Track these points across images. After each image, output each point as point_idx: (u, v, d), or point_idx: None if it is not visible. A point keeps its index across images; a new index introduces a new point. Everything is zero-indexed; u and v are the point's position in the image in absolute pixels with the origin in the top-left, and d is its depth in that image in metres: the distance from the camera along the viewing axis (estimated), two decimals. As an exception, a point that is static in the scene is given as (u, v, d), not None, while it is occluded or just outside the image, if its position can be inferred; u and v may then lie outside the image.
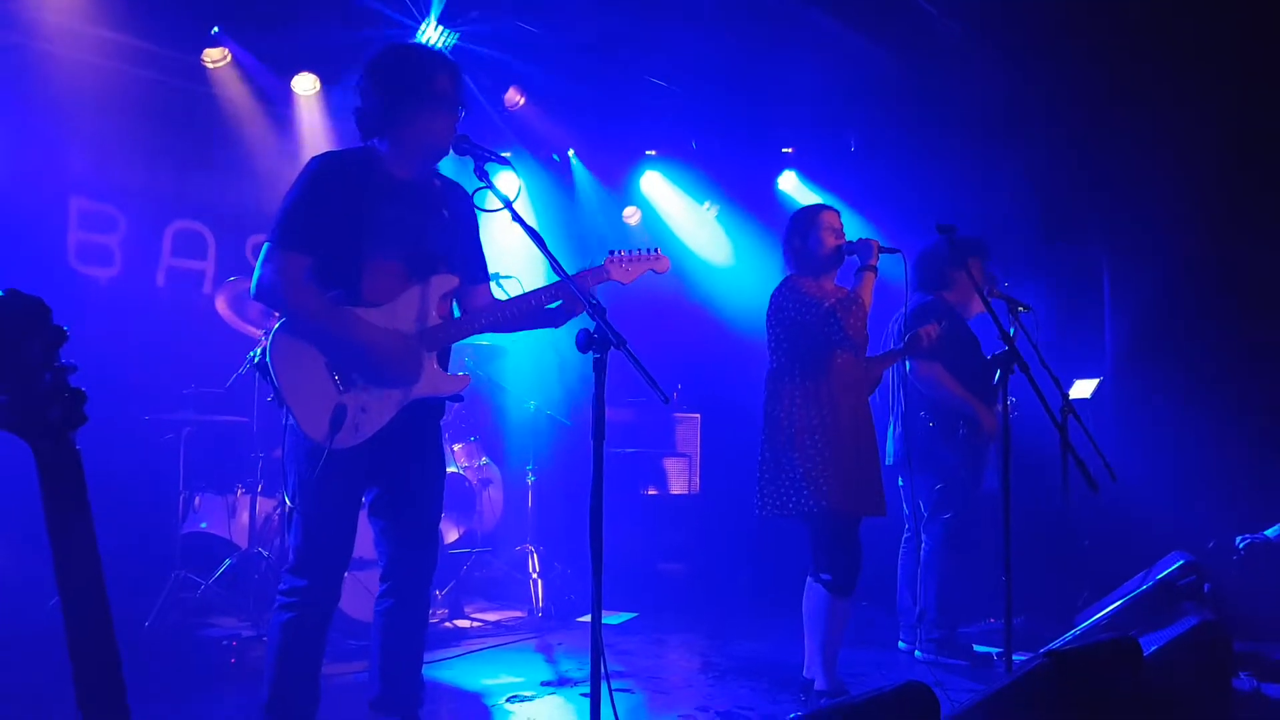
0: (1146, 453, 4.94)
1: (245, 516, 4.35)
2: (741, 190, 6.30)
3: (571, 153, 6.09)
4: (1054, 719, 2.45)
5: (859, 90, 5.45)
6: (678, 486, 5.79)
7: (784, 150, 6.20)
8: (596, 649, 2.06)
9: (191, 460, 4.44)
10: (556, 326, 2.68)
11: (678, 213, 6.38)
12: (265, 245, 2.41)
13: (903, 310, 4.21)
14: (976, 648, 4.10)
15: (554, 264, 2.28)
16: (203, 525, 4.44)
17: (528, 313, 2.58)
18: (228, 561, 4.23)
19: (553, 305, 2.57)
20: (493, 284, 3.10)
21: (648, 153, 6.21)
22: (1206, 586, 4.03)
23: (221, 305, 4.30)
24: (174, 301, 4.96)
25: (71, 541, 1.23)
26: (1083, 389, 5.08)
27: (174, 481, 4.38)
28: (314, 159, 2.49)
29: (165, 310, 4.87)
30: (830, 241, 3.39)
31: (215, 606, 4.25)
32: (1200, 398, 4.98)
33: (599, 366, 2.15)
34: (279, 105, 5.21)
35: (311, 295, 2.39)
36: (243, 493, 4.44)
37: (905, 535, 4.30)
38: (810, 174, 6.20)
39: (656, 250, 2.75)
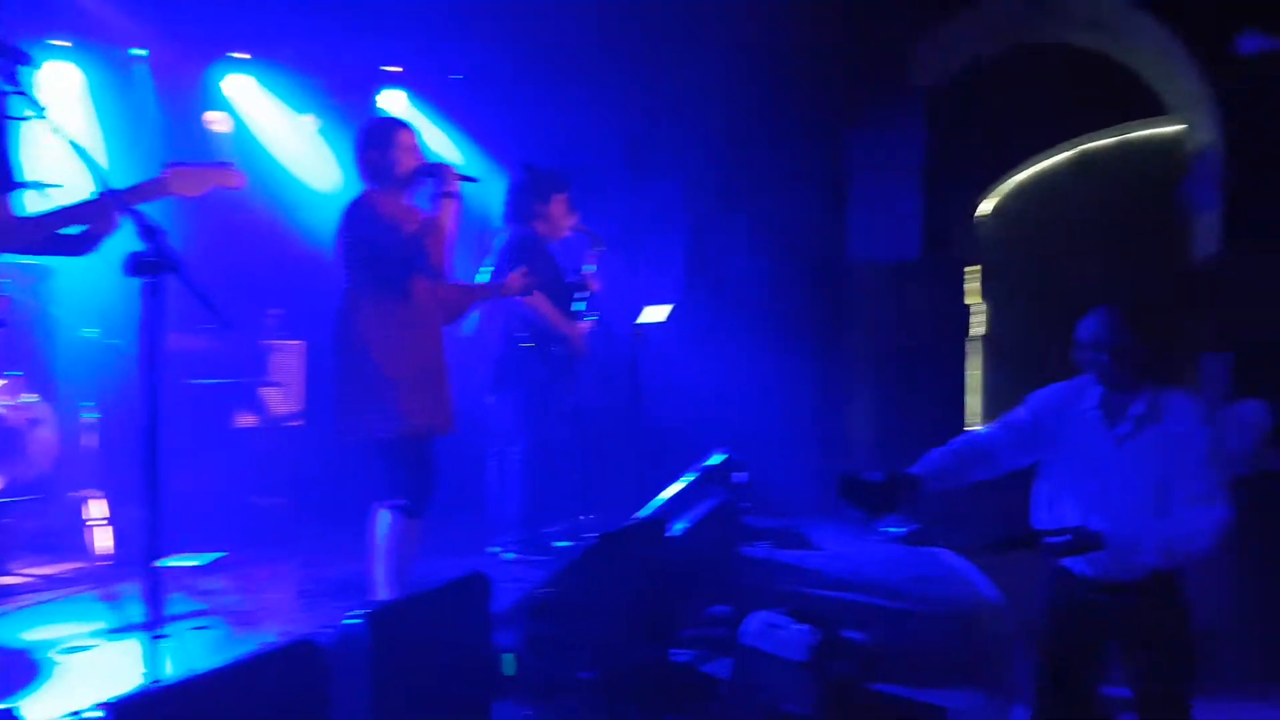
0: (704, 367, 5.85)
1: None
2: (344, 106, 6.03)
3: (143, 52, 5.38)
4: (608, 584, 2.96)
5: (465, 14, 5.53)
6: (276, 416, 5.55)
7: (389, 69, 6.06)
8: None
9: None
10: (81, 254, 2.44)
11: (273, 125, 5.93)
12: None
13: (504, 237, 4.51)
14: (556, 543, 4.56)
15: (98, 177, 2.10)
16: None
17: (53, 238, 2.34)
18: None
19: (76, 230, 2.35)
20: (36, 194, 2.69)
21: (235, 55, 5.68)
22: (740, 476, 4.92)
23: None
24: None
25: None
26: (656, 314, 5.72)
27: None
28: None
29: None
30: (408, 162, 3.34)
31: None
32: (743, 323, 6.02)
33: (149, 292, 2.03)
34: None
35: None
36: None
37: (494, 449, 4.57)
38: (420, 95, 6.14)
39: (230, 164, 2.61)
